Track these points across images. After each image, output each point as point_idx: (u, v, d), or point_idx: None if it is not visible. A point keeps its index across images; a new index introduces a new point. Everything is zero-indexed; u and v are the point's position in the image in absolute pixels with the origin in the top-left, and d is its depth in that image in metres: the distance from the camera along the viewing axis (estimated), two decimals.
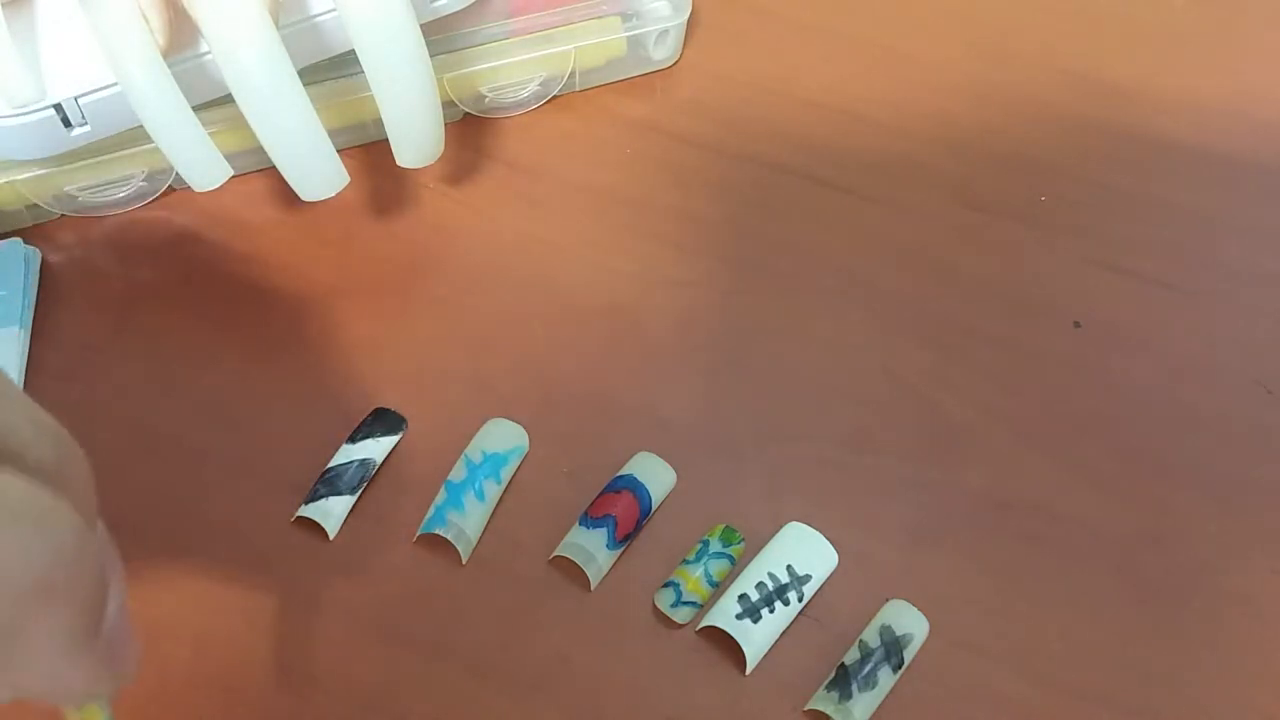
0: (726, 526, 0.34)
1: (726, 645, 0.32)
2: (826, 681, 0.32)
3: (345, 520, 0.34)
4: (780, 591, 0.33)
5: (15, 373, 0.36)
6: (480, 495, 0.34)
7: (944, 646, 0.33)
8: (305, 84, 0.32)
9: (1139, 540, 0.35)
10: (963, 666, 0.33)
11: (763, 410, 0.37)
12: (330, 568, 0.34)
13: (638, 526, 0.34)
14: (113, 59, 0.32)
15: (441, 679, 0.32)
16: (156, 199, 0.41)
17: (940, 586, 0.34)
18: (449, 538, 0.34)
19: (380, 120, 0.35)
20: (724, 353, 0.38)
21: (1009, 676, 0.33)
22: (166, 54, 0.32)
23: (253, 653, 0.32)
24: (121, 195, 0.40)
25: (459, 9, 0.39)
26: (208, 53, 0.35)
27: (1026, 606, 0.34)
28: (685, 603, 0.33)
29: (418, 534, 0.34)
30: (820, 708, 0.31)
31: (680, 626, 0.33)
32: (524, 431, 0.36)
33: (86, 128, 0.35)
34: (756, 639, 0.32)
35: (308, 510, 0.34)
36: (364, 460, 0.35)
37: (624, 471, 0.35)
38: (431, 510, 0.34)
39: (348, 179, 0.35)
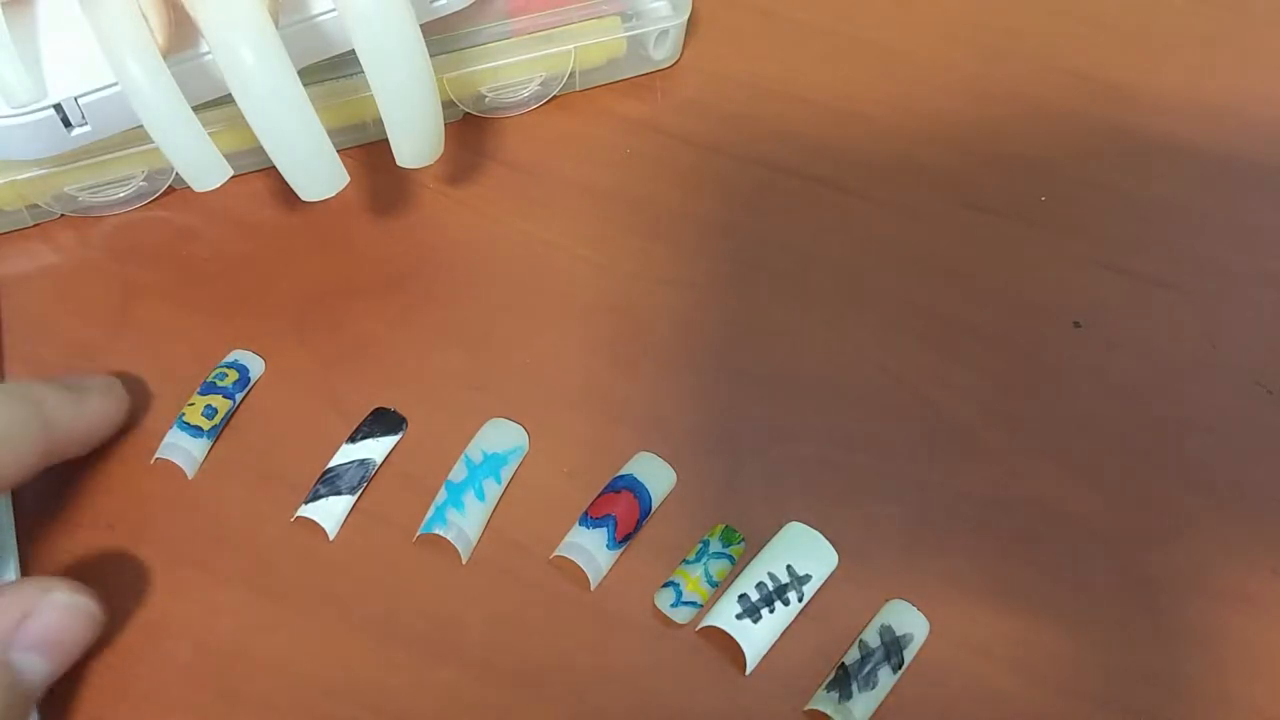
0: (726, 526, 0.34)
1: (726, 645, 0.32)
2: (826, 681, 0.32)
3: (345, 520, 0.34)
4: (780, 591, 0.33)
5: None
6: (480, 495, 0.34)
7: (944, 646, 0.33)
8: (305, 84, 0.32)
9: (1139, 540, 0.35)
10: (963, 666, 0.33)
11: (763, 410, 0.37)
12: (330, 568, 0.34)
13: (638, 526, 0.34)
14: (113, 59, 0.31)
15: (441, 679, 0.32)
16: (156, 199, 0.41)
17: (940, 586, 0.34)
18: (449, 538, 0.34)
19: (380, 120, 0.35)
20: (724, 353, 0.38)
21: (1009, 676, 0.33)
22: (166, 54, 0.32)
23: (253, 653, 0.32)
24: (121, 195, 0.40)
25: (459, 9, 0.39)
26: (208, 53, 0.35)
27: (1026, 606, 0.34)
28: (685, 603, 0.33)
29: (418, 534, 0.34)
30: (820, 708, 0.31)
31: (680, 626, 0.33)
32: (524, 431, 0.36)
33: (86, 128, 0.35)
34: (756, 639, 0.32)
35: (308, 510, 0.34)
36: (364, 460, 0.35)
37: (624, 471, 0.35)
38: (431, 510, 0.34)
39: (348, 179, 0.35)
